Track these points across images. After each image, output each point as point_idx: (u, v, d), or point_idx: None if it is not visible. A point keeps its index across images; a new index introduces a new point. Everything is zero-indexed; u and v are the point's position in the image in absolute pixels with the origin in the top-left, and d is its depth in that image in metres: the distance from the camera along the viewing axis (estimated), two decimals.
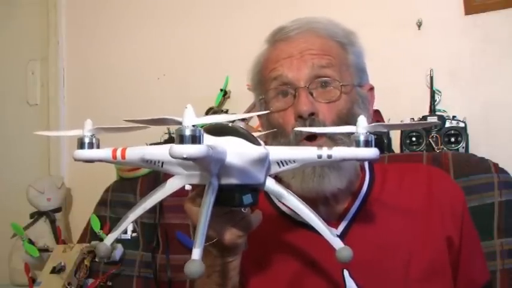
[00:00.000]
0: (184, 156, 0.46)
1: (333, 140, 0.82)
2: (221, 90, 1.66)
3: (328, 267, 0.83)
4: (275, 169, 0.62)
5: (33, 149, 2.04)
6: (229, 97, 1.69)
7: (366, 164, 0.93)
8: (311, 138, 0.82)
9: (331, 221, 0.86)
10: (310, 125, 0.81)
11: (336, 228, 0.86)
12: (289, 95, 0.85)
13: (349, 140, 0.86)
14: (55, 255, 1.50)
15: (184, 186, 0.62)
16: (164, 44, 1.84)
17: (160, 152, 0.59)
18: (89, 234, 1.54)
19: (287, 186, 0.90)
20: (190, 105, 0.49)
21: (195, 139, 0.47)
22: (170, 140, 1.64)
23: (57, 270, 1.43)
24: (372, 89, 0.94)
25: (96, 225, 1.46)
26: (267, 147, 0.60)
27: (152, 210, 1.51)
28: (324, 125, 0.82)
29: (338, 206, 0.88)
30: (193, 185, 0.62)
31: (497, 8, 1.41)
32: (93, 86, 1.97)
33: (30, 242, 1.57)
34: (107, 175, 1.65)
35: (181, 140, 0.47)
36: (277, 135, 0.86)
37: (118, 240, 1.47)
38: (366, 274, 0.82)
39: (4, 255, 1.73)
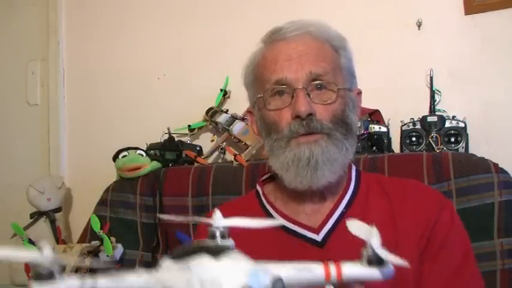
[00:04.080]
0: None
1: (329, 136, 0.86)
2: (221, 90, 1.66)
3: None
4: None
5: (33, 149, 2.04)
6: (229, 97, 1.69)
7: (353, 172, 0.96)
8: (308, 134, 0.86)
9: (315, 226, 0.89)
10: (308, 125, 0.85)
11: (320, 230, 0.88)
12: (286, 95, 0.88)
13: (344, 137, 0.87)
14: None
15: None
16: (164, 44, 1.84)
17: None
18: (89, 234, 1.54)
19: (280, 178, 0.90)
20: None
21: None
22: (170, 140, 1.63)
23: None
24: (359, 93, 0.98)
25: (96, 225, 1.46)
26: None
27: (152, 210, 1.51)
28: (321, 124, 0.86)
29: (324, 206, 0.91)
30: None
31: (497, 8, 1.40)
32: (93, 86, 1.97)
33: (30, 242, 1.56)
34: (106, 175, 1.65)
35: None
36: (270, 131, 0.89)
37: (118, 240, 1.47)
38: None
39: None
